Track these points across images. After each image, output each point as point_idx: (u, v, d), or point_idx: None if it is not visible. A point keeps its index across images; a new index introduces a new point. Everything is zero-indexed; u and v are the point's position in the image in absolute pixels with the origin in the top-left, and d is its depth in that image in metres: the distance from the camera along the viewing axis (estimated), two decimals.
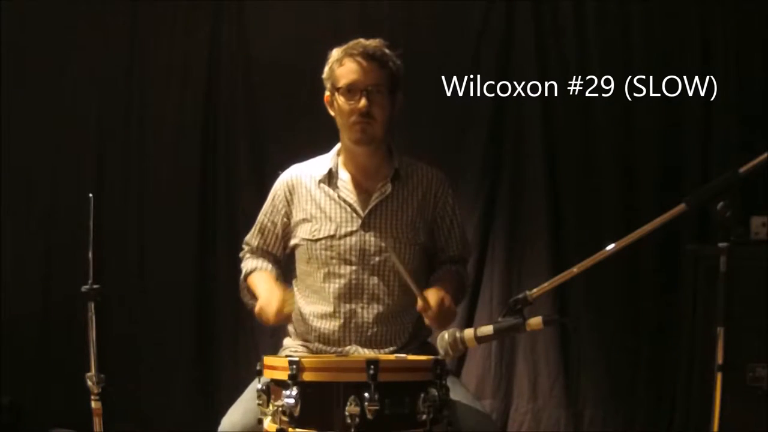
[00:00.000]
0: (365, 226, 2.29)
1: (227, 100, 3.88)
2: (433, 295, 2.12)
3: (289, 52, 3.74)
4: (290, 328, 2.40)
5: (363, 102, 2.24)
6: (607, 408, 3.39)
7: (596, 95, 3.49)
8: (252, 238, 2.46)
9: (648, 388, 3.36)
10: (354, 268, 2.27)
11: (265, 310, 2.16)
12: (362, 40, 2.30)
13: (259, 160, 3.76)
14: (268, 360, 1.85)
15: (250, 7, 3.86)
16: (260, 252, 2.45)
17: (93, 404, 2.21)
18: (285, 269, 2.46)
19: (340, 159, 2.39)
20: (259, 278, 2.36)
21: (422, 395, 1.74)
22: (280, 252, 2.44)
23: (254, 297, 2.32)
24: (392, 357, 2.11)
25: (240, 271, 2.47)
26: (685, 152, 3.41)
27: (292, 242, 2.37)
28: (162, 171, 3.90)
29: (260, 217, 2.45)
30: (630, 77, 3.47)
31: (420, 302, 2.10)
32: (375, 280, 2.27)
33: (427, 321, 2.16)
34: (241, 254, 2.50)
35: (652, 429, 3.32)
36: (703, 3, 3.40)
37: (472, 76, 3.61)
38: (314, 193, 2.35)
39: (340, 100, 2.28)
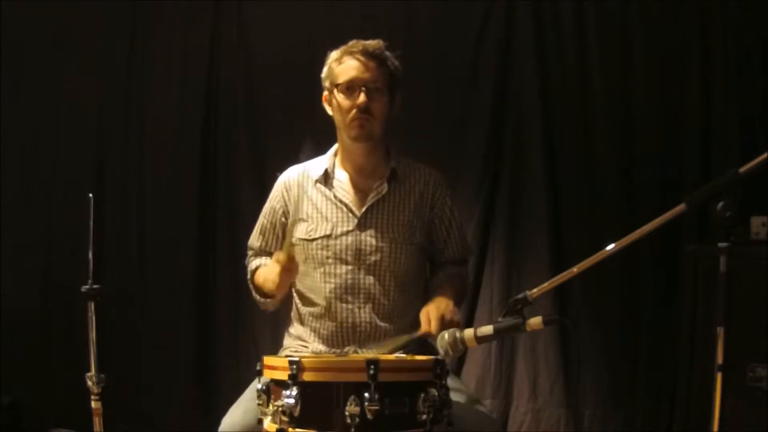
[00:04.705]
0: (361, 225, 2.29)
1: (227, 100, 3.88)
2: (434, 313, 2.11)
3: (289, 52, 3.75)
4: (290, 328, 2.41)
5: (362, 98, 2.25)
6: (607, 408, 3.39)
7: (596, 95, 3.49)
8: (254, 240, 2.48)
9: (648, 387, 3.36)
10: (350, 267, 2.28)
11: (267, 278, 2.18)
12: (362, 41, 2.31)
13: (259, 160, 3.77)
14: (268, 360, 1.85)
15: (250, 7, 3.86)
16: (263, 254, 2.46)
17: (93, 404, 2.21)
18: None
19: (337, 159, 2.39)
20: (263, 268, 2.38)
21: (422, 395, 1.74)
22: None
23: (263, 295, 2.33)
24: (392, 357, 2.10)
25: (245, 276, 2.48)
26: (685, 152, 3.41)
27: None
28: (162, 171, 3.90)
29: (260, 219, 2.47)
30: (630, 77, 3.47)
31: (423, 326, 2.10)
32: (371, 279, 2.27)
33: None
34: (246, 260, 2.51)
35: (652, 429, 3.32)
36: (703, 3, 3.39)
37: (471, 76, 3.61)
38: (310, 193, 2.35)
39: (340, 96, 2.29)
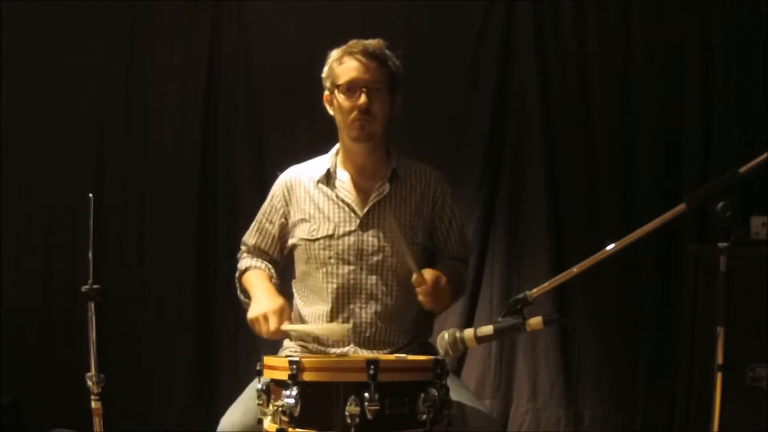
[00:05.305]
0: (363, 225, 2.29)
1: (227, 100, 3.88)
2: (429, 272, 2.14)
3: (289, 52, 3.75)
4: None
5: (363, 99, 2.25)
6: (607, 408, 3.39)
7: (596, 95, 3.49)
8: (249, 237, 2.47)
9: (648, 388, 3.36)
10: (352, 267, 2.27)
11: (260, 324, 2.16)
12: (362, 40, 2.31)
13: (259, 161, 3.77)
14: (268, 360, 1.85)
15: (250, 7, 3.86)
16: (257, 251, 2.45)
17: (93, 404, 2.21)
18: (283, 270, 2.46)
19: (339, 159, 2.39)
20: (254, 278, 2.36)
21: (422, 395, 1.74)
22: (277, 253, 2.44)
23: (249, 297, 2.32)
24: (392, 357, 2.11)
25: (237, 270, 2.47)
26: (685, 152, 3.41)
27: (291, 242, 2.38)
28: (162, 171, 3.90)
29: (258, 216, 2.46)
30: (630, 77, 3.47)
31: (415, 276, 2.12)
32: (373, 279, 2.27)
33: (419, 297, 2.16)
34: (238, 254, 2.50)
35: (652, 429, 3.32)
36: (703, 3, 3.39)
37: (472, 76, 3.61)
38: (312, 193, 2.35)
39: (340, 97, 2.28)
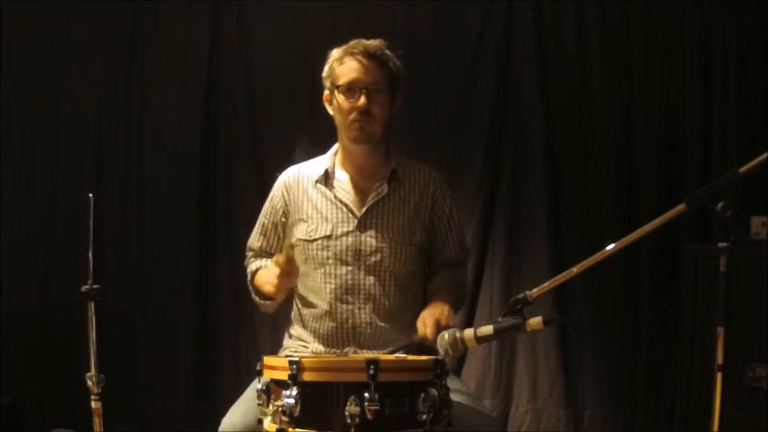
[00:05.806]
0: (361, 226, 2.29)
1: (227, 100, 3.88)
2: (429, 319, 2.10)
3: (289, 52, 3.75)
4: (290, 329, 2.41)
5: (362, 100, 2.24)
6: (607, 408, 3.39)
7: (596, 95, 3.49)
8: (254, 241, 2.47)
9: (648, 388, 3.36)
10: (350, 268, 2.27)
11: (267, 281, 2.18)
12: (363, 40, 2.30)
13: (259, 161, 3.77)
14: (268, 360, 1.85)
15: (250, 7, 3.86)
16: (264, 254, 2.46)
17: (93, 404, 2.21)
18: None
19: (338, 159, 2.39)
20: (263, 270, 2.37)
21: (422, 395, 1.74)
22: None
23: (263, 297, 2.33)
24: (392, 357, 2.11)
25: (245, 276, 2.47)
26: (685, 152, 3.41)
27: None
28: (162, 171, 3.90)
29: (260, 219, 2.46)
30: (630, 77, 3.47)
31: (420, 330, 2.10)
32: (371, 280, 2.27)
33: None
34: (245, 261, 2.51)
35: (652, 429, 3.32)
36: (703, 3, 3.39)
37: (471, 76, 3.61)
38: (310, 193, 2.35)
39: (340, 98, 2.28)
